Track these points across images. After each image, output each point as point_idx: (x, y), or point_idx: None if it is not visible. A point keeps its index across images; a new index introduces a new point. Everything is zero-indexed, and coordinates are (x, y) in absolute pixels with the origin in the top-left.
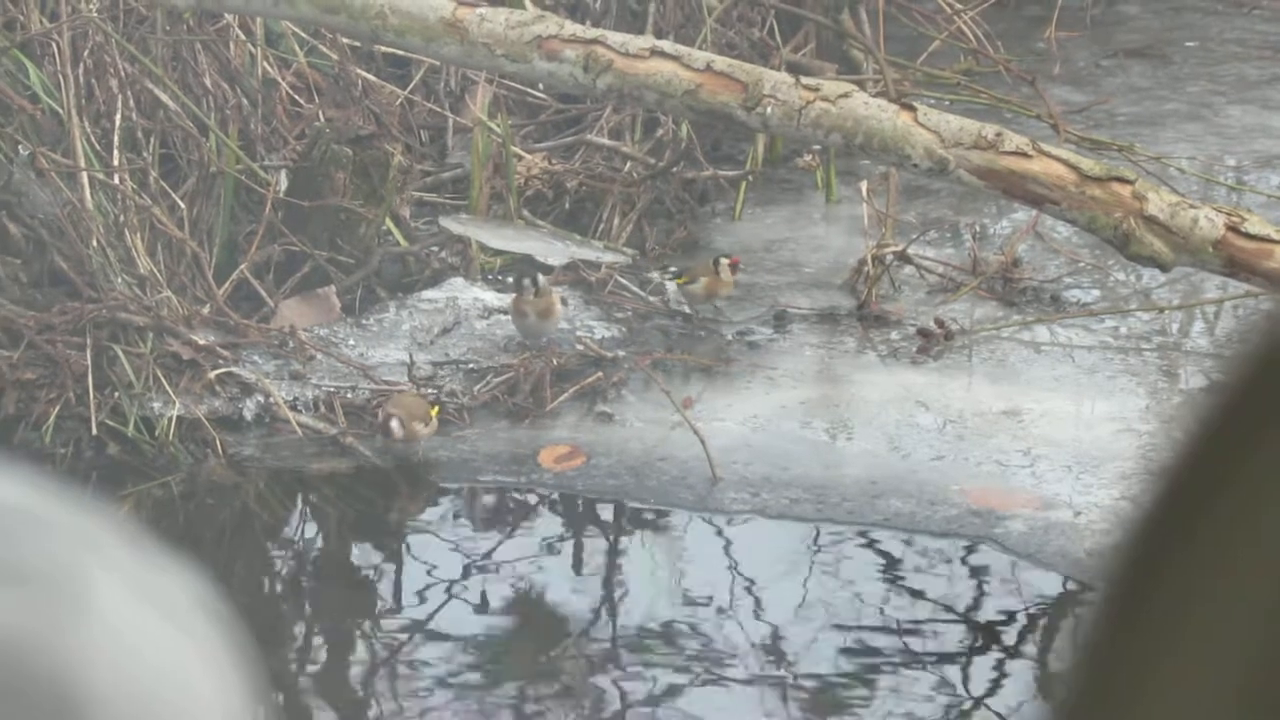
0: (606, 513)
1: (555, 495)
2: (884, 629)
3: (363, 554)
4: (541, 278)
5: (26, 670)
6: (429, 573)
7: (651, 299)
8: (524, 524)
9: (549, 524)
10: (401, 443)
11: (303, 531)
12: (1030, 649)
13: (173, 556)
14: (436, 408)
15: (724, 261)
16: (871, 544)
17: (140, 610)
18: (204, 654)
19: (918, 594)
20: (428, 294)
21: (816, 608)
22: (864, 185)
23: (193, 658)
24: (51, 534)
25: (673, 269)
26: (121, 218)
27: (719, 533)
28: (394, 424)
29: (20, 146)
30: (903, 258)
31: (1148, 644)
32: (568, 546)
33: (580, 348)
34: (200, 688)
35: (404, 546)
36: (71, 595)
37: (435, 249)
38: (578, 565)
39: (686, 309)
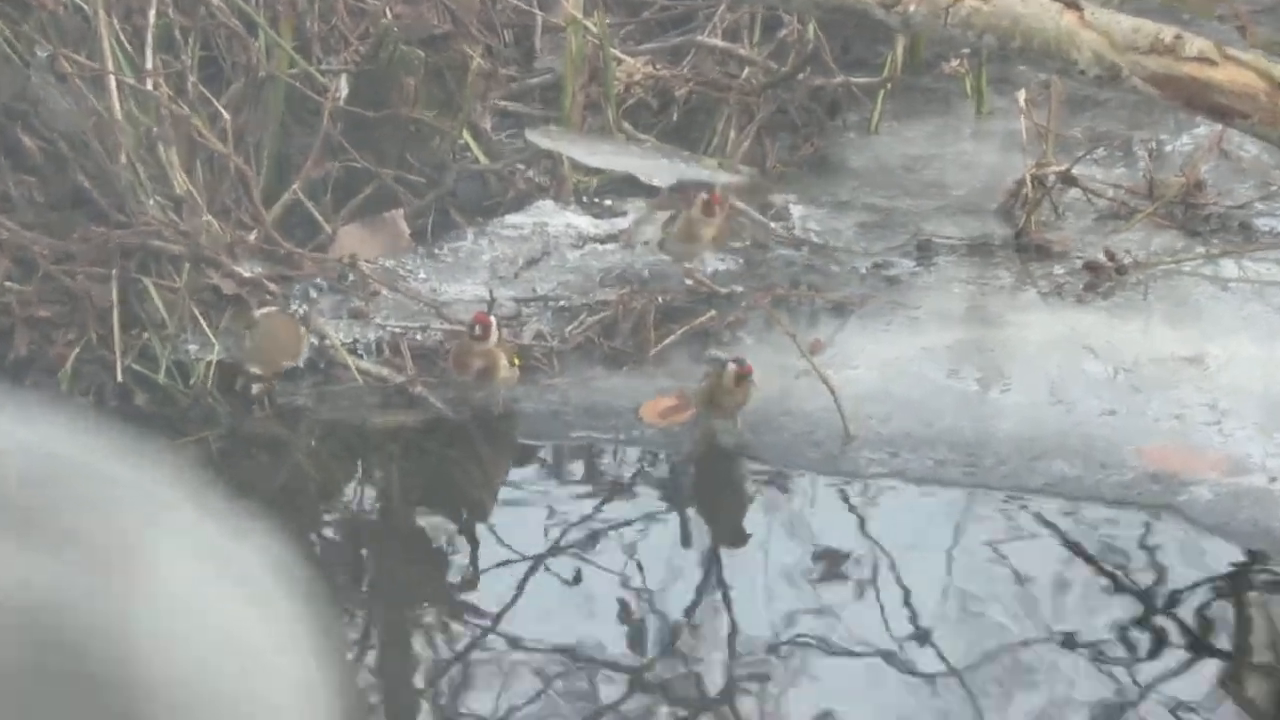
0: (720, 475)
1: (659, 454)
2: (1045, 612)
3: (435, 522)
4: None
5: (74, 646)
6: (512, 544)
7: (773, 225)
8: (622, 488)
9: (652, 488)
10: (481, 383)
11: (364, 497)
12: (1215, 634)
13: (246, 515)
14: (519, 357)
15: (703, 197)
16: (1031, 513)
17: (206, 576)
18: (277, 624)
19: (1085, 572)
20: (511, 219)
21: (965, 587)
22: (1021, 95)
23: (264, 629)
24: (108, 490)
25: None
26: (155, 129)
27: (852, 499)
28: (476, 361)
29: (38, 47)
30: (1066, 179)
31: None
32: (674, 516)
33: (689, 283)
34: (272, 661)
35: (483, 513)
36: (129, 559)
37: (520, 167)
38: (685, 537)
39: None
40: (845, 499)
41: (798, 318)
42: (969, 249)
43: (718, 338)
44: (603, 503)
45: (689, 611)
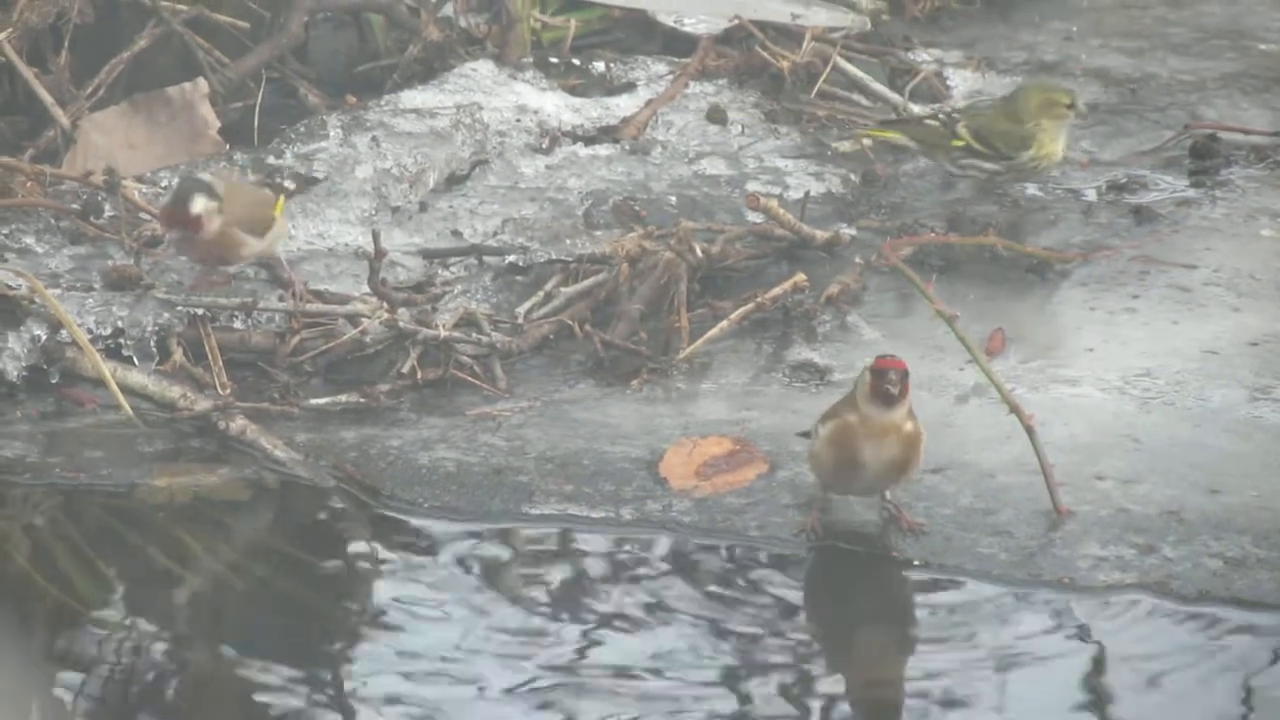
0: (820, 593)
1: (697, 555)
2: None
3: (263, 682)
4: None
5: None
6: None
7: (914, 109)
8: (629, 622)
9: (686, 624)
10: (201, 249)
11: (130, 637)
12: None
13: None
14: (280, 201)
15: (868, 376)
16: None
17: None
18: None
19: None
20: (415, 97)
21: None
22: None
23: None
24: None
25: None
26: None
27: (1065, 632)
28: (198, 200)
29: None
30: None
31: None
32: (729, 678)
33: (756, 219)
34: None
35: (348, 676)
36: None
37: None
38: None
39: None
40: (1058, 630)
41: (956, 287)
42: None
43: (808, 324)
44: (583, 654)
45: None
